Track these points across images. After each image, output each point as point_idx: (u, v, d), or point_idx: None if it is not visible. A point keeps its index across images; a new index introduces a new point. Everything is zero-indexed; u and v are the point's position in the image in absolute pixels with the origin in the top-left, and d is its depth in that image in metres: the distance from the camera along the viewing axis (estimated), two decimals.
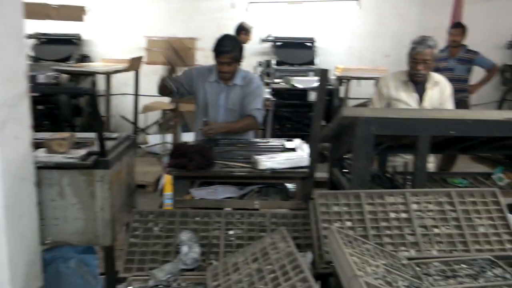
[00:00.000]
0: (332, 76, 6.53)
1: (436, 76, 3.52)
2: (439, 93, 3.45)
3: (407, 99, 3.41)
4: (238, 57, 3.30)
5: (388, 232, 2.06)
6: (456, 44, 5.78)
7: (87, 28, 7.58)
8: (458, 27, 5.83)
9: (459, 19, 6.37)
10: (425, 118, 2.20)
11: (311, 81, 6.14)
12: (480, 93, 6.60)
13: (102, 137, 2.60)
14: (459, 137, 2.44)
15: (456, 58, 5.77)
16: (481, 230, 2.08)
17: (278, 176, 2.55)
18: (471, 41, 5.98)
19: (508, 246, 2.03)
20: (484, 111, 2.73)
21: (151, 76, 7.90)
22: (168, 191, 2.82)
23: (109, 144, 2.97)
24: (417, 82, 3.42)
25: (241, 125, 3.35)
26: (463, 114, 2.27)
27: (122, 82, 7.93)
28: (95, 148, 2.73)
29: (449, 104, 3.50)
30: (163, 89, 3.50)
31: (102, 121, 2.61)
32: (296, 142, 3.10)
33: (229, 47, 3.23)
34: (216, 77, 3.39)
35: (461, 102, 5.58)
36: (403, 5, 7.66)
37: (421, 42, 3.36)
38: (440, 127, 2.22)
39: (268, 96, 5.73)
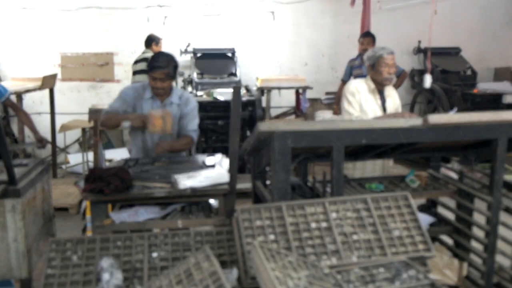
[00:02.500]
0: (253, 87, 6.62)
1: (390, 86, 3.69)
2: (393, 101, 3.64)
3: (374, 107, 3.54)
4: (172, 74, 3.28)
5: (310, 242, 2.11)
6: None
7: None
8: (367, 36, 6.11)
9: (368, 28, 6.69)
10: (337, 129, 2.27)
11: None
12: None
13: (10, 164, 2.47)
14: (372, 144, 2.54)
15: None
16: (396, 233, 2.17)
17: (199, 194, 2.52)
18: None
19: (421, 247, 2.14)
20: (391, 119, 2.86)
21: (68, 93, 7.68)
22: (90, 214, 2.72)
23: (20, 170, 2.83)
24: (379, 90, 3.55)
25: (182, 144, 3.36)
26: (373, 123, 2.37)
27: (37, 101, 7.60)
28: (4, 176, 2.58)
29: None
30: (112, 126, 3.50)
31: (7, 148, 2.47)
32: (217, 158, 3.09)
33: (163, 63, 3.21)
34: (151, 94, 3.36)
35: None
36: (317, 15, 7.94)
37: (384, 48, 3.49)
38: (352, 137, 2.31)
39: None
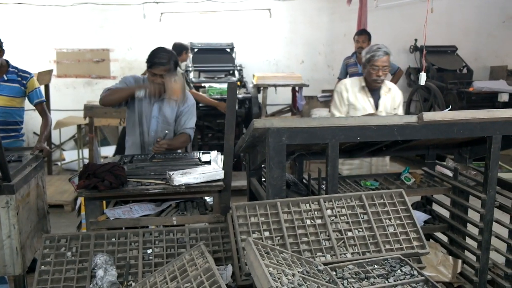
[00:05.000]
0: (250, 84, 6.61)
1: (388, 83, 3.65)
2: (392, 99, 3.59)
3: (364, 105, 3.51)
4: (172, 70, 3.25)
5: (305, 239, 2.11)
6: (362, 50, 6.02)
7: None
8: (362, 34, 6.10)
9: (364, 26, 6.68)
10: (333, 126, 2.27)
11: None
12: None
13: (4, 160, 2.45)
14: (367, 141, 2.55)
15: None
16: (391, 230, 2.18)
17: (194, 191, 2.52)
18: None
19: (415, 243, 2.14)
20: (386, 116, 2.89)
21: (63, 89, 7.65)
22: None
23: (14, 166, 2.82)
24: (373, 89, 3.53)
25: (180, 142, 3.37)
26: (367, 120, 2.36)
27: None
28: None
29: (400, 111, 3.65)
30: (116, 100, 3.31)
31: (2, 145, 2.45)
32: (212, 155, 3.09)
33: (165, 59, 3.19)
34: None
35: None
36: (313, 13, 7.93)
37: (378, 49, 3.44)
38: (348, 134, 2.31)
39: None
